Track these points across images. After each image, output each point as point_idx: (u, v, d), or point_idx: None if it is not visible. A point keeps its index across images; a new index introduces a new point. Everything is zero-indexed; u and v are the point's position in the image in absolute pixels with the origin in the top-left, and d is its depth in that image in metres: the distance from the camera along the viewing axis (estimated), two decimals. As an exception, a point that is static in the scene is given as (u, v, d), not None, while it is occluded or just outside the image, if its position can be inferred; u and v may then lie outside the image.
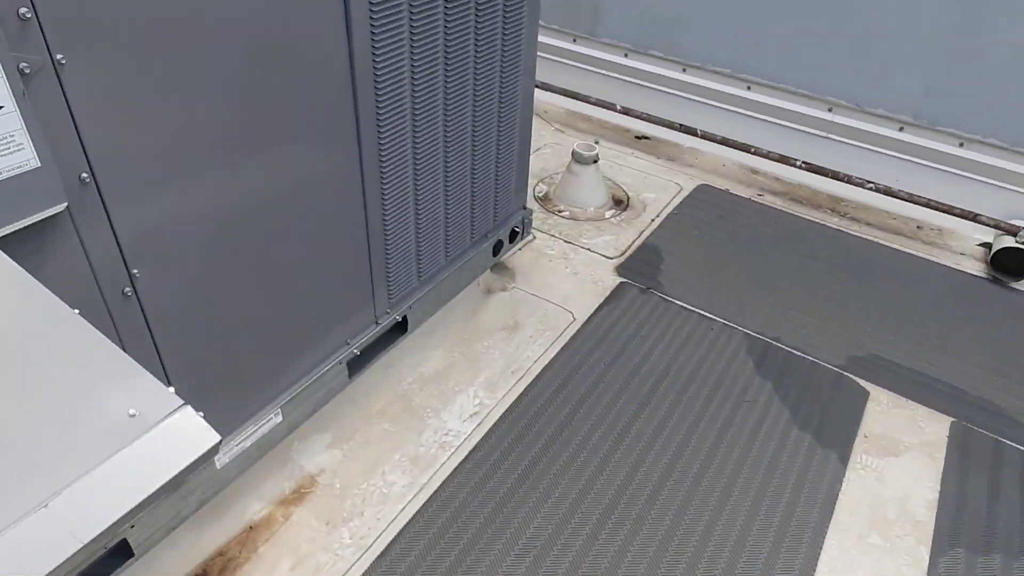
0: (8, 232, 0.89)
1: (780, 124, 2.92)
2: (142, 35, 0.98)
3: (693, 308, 2.23)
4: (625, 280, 2.34)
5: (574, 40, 3.31)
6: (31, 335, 0.78)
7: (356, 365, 1.70)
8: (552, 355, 2.03)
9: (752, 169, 2.97)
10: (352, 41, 1.29)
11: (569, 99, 3.30)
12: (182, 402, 0.74)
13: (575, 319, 2.16)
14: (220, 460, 1.41)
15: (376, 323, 1.71)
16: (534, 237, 2.46)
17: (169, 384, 1.24)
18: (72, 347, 0.77)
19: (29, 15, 0.85)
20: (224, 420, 1.40)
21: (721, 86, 3.00)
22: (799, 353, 2.08)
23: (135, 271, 1.11)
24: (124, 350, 1.13)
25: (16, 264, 0.86)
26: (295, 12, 1.18)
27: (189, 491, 1.36)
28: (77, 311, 0.81)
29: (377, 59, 1.36)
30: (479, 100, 1.71)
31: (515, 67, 1.78)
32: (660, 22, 3.05)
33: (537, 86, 3.19)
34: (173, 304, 1.20)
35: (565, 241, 2.52)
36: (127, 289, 1.10)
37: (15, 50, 0.85)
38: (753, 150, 2.90)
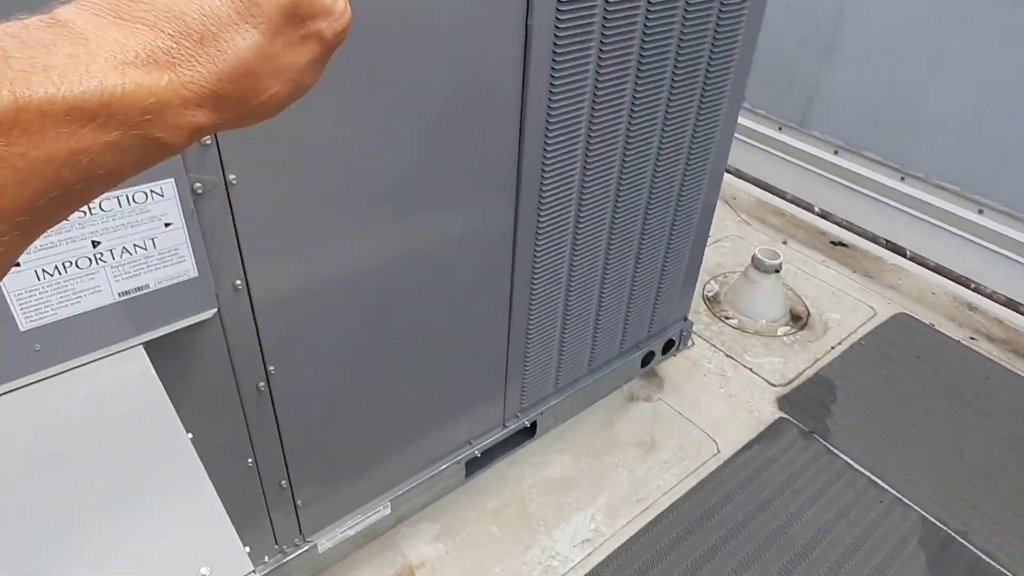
0: (158, 336, 0.93)
1: (1015, 260, 2.48)
2: (308, 152, 1.00)
3: (861, 468, 1.93)
4: (786, 416, 2.08)
5: (780, 128, 3.07)
6: (136, 455, 0.79)
7: (475, 466, 1.64)
8: (686, 489, 1.84)
9: (969, 305, 2.55)
10: (526, 102, 1.21)
11: (762, 190, 3.06)
12: (252, 569, 0.71)
13: (719, 451, 1.96)
14: (323, 545, 1.41)
15: (504, 426, 1.65)
16: (692, 343, 2.28)
17: (287, 469, 1.25)
18: (170, 480, 0.77)
19: (209, 141, 0.88)
20: (332, 507, 1.40)
21: (946, 204, 2.62)
22: (990, 561, 1.72)
23: (271, 368, 1.13)
24: (250, 437, 1.15)
25: (153, 372, 0.88)
26: (469, 123, 1.15)
27: (285, 573, 1.37)
28: (191, 436, 0.81)
29: (551, 122, 1.25)
30: (658, 181, 1.56)
31: (706, 150, 1.61)
32: (883, 121, 2.73)
33: (727, 171, 2.99)
34: (302, 399, 1.21)
35: (726, 355, 2.31)
36: (261, 384, 1.13)
37: (191, 171, 0.88)
38: (973, 285, 2.48)
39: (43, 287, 0.82)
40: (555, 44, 1.16)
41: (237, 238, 0.97)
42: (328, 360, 1.21)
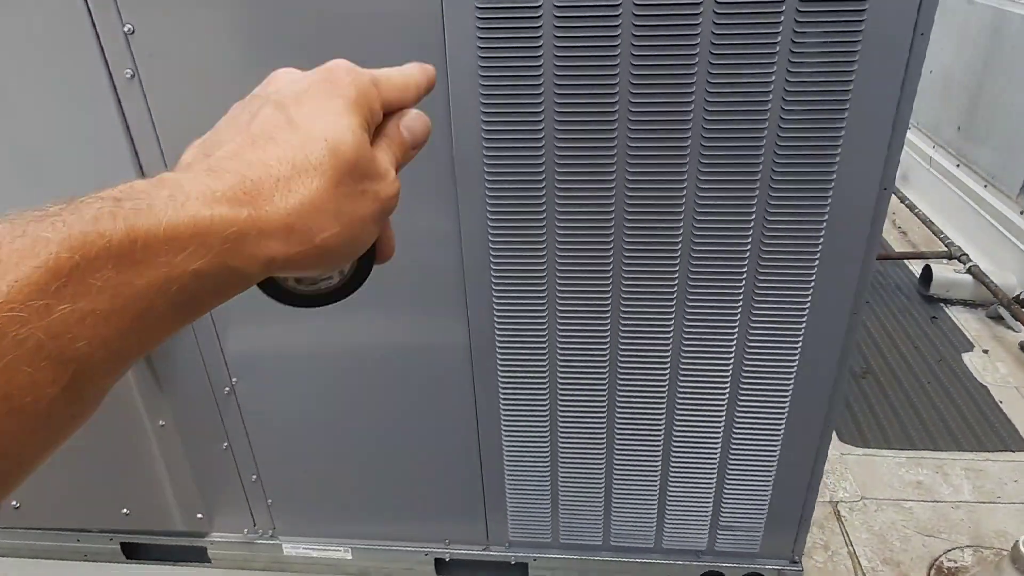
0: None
1: None
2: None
3: None
4: None
5: None
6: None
7: (447, 569, 1.60)
8: None
9: None
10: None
11: None
12: None
13: None
14: (287, 549, 1.63)
15: (487, 548, 1.56)
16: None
17: (256, 465, 1.50)
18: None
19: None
20: (299, 523, 1.60)
21: None
22: None
23: (234, 379, 1.40)
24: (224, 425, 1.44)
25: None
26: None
27: (253, 552, 1.63)
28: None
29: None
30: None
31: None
32: None
33: None
34: (265, 415, 1.44)
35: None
36: (226, 389, 1.41)
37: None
38: None
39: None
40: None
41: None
42: (288, 392, 1.41)
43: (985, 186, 3.17)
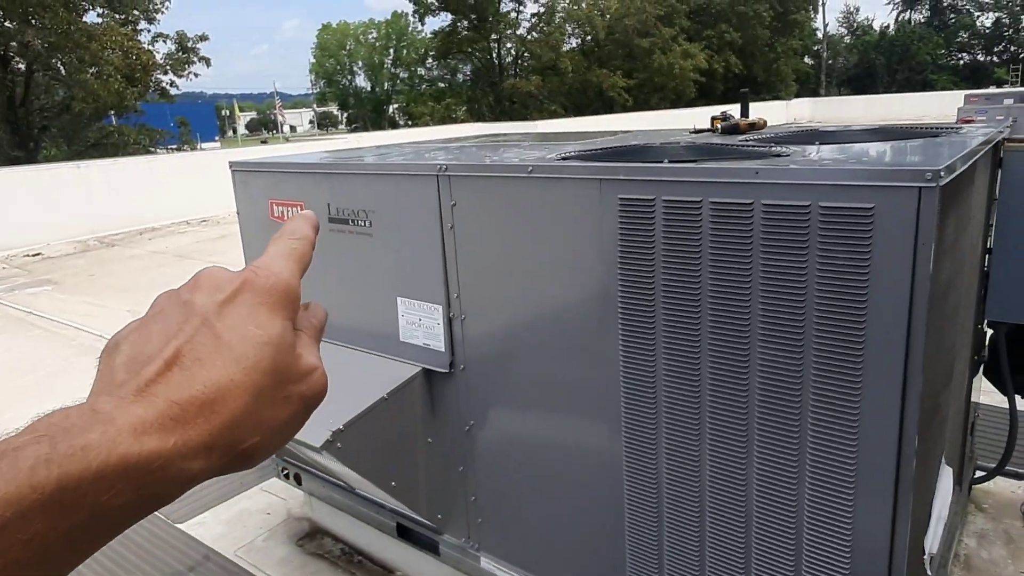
0: (424, 369, 2.17)
1: None
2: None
3: None
4: None
5: None
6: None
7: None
8: None
9: None
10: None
11: None
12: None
13: None
14: (485, 564, 2.26)
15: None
16: None
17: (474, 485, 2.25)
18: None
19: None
20: (504, 548, 2.22)
21: None
22: None
23: (471, 421, 2.15)
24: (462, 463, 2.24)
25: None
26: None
27: (459, 553, 2.31)
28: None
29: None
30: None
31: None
32: None
33: None
34: (494, 450, 2.15)
35: None
36: (467, 427, 2.17)
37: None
38: None
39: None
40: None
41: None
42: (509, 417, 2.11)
43: None
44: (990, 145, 2.14)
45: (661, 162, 1.76)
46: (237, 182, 2.60)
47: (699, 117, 3.63)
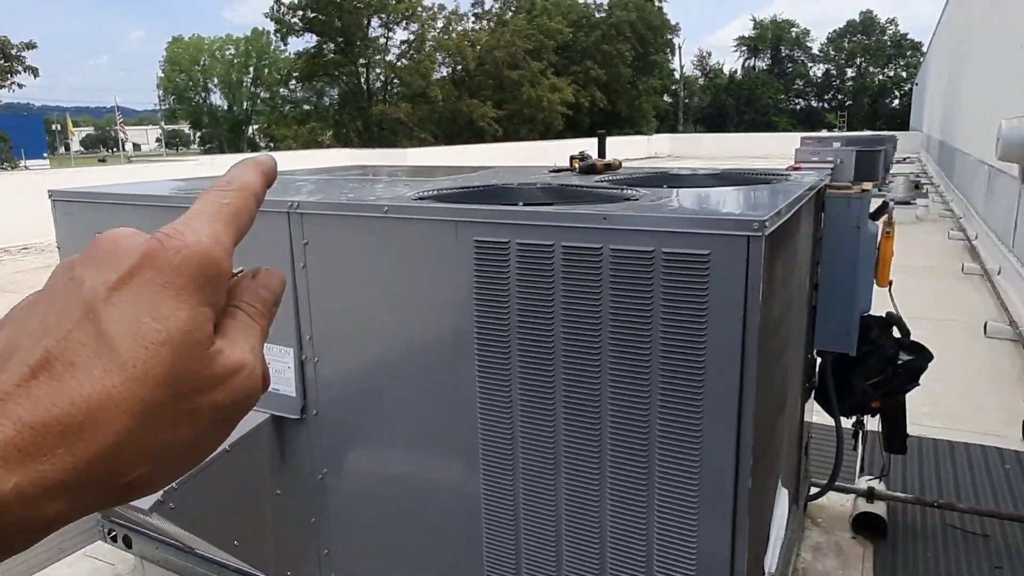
0: (272, 415, 2.07)
1: None
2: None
3: None
4: None
5: None
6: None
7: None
8: None
9: None
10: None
11: None
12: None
13: None
14: (339, 616, 2.17)
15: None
16: None
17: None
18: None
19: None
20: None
21: None
22: None
23: (325, 469, 2.07)
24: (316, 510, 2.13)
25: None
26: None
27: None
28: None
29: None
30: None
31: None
32: None
33: None
34: (349, 498, 2.08)
35: None
36: (320, 476, 2.09)
37: (301, 351, 2.01)
38: None
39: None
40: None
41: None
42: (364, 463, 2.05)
43: None
44: (814, 191, 2.38)
45: (516, 204, 1.81)
46: (59, 214, 2.37)
47: (567, 148, 3.79)
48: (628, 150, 33.91)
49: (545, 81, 39.89)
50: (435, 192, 2.09)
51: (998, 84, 9.82)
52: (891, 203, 2.72)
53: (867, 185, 2.65)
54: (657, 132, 45.12)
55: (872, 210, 2.64)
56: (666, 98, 56.51)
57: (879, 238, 2.64)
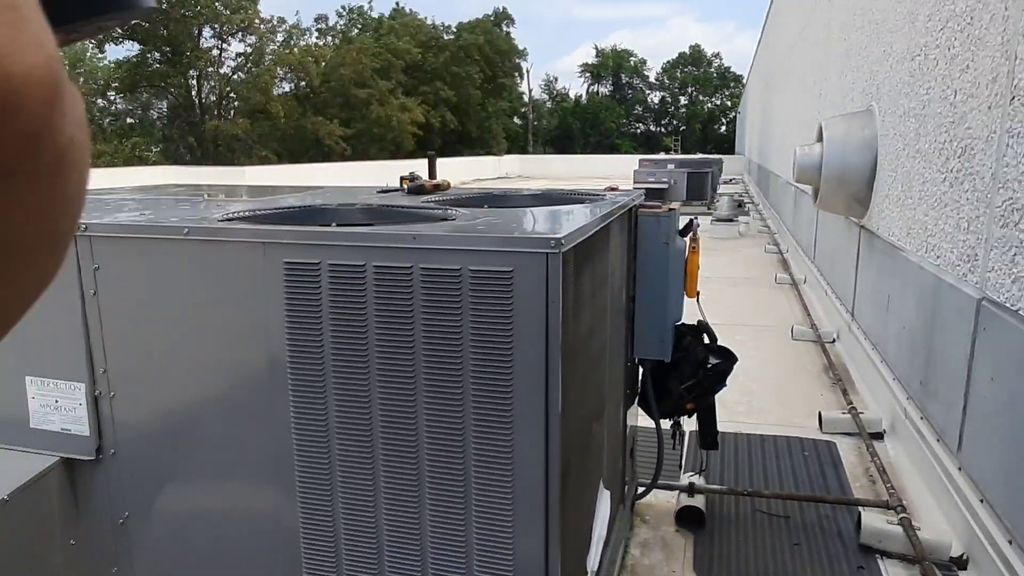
0: (62, 458, 1.92)
1: None
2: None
3: None
4: None
5: None
6: None
7: None
8: None
9: None
10: (282, 454, 1.74)
11: None
12: None
13: None
14: None
15: None
16: None
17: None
18: None
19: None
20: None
21: None
22: None
23: (127, 512, 1.94)
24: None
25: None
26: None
27: None
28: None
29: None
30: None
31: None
32: None
33: None
34: (156, 541, 1.96)
35: None
36: (121, 520, 1.95)
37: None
38: None
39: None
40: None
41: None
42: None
43: (937, 440, 3.33)
44: (626, 210, 2.58)
45: (330, 225, 1.82)
46: None
47: (417, 168, 3.83)
48: (478, 170, 34.57)
49: (394, 101, 39.81)
50: (245, 213, 2.05)
51: (797, 116, 11.14)
52: (695, 220, 3.00)
53: (674, 204, 2.91)
54: (508, 153, 46.40)
55: (680, 227, 2.90)
56: (516, 120, 58.34)
57: (687, 253, 2.90)
